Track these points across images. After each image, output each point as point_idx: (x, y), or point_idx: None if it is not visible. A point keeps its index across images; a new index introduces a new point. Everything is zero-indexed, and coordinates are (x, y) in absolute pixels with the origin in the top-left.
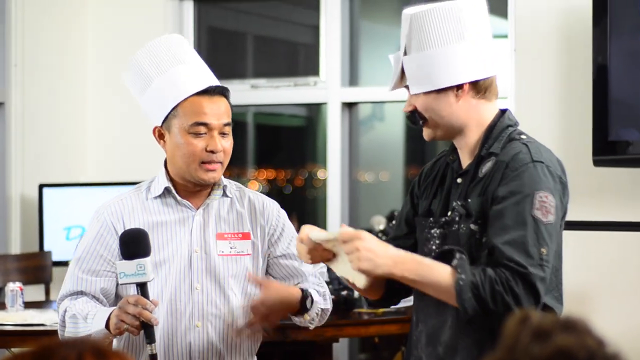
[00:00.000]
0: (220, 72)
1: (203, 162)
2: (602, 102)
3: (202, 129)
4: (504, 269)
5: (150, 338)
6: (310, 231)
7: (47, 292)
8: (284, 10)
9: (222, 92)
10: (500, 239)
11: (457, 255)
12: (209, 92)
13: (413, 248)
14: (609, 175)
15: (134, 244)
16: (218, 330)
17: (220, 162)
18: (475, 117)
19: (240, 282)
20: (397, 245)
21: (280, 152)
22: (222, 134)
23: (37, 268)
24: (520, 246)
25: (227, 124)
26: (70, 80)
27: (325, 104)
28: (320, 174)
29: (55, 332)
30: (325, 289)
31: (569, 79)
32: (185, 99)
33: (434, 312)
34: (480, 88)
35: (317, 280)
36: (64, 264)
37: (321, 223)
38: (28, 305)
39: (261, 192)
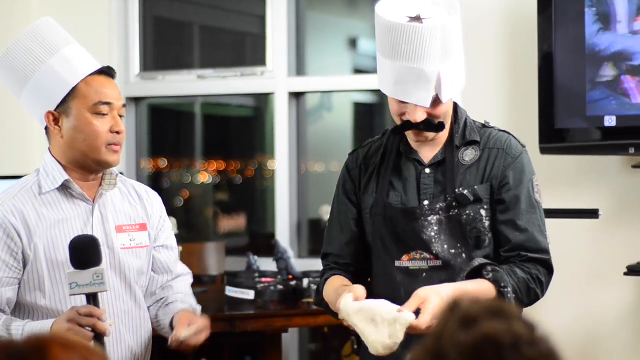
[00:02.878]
0: (167, 62)
1: (109, 144)
2: (548, 90)
3: (106, 109)
4: (532, 262)
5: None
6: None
7: None
8: (230, 1)
9: (114, 74)
10: (523, 223)
11: (489, 268)
12: (104, 72)
13: (364, 240)
14: (555, 163)
15: (87, 252)
16: (128, 326)
17: (120, 144)
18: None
19: (141, 276)
20: (357, 249)
21: (229, 143)
22: (120, 115)
23: None
24: (538, 228)
25: (124, 105)
26: None
27: (272, 93)
28: (270, 165)
29: None
30: (196, 305)
31: (515, 68)
32: (84, 79)
33: None
34: None
35: (190, 290)
36: None
37: (271, 213)
38: None
39: (211, 183)
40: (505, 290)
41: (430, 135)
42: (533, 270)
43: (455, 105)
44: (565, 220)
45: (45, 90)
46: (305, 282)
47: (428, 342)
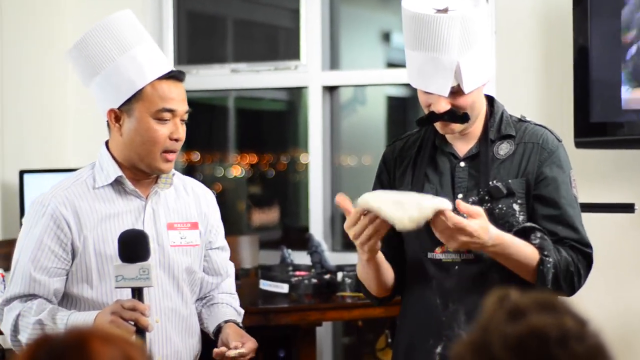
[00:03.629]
0: (200, 56)
1: (165, 151)
2: (583, 83)
3: (168, 116)
4: (574, 251)
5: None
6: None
7: None
8: None
9: (183, 77)
10: (566, 218)
11: (539, 234)
12: (173, 76)
13: (398, 233)
14: (589, 157)
15: (135, 246)
16: (175, 324)
17: (177, 151)
18: (483, 104)
19: (190, 275)
20: (390, 240)
21: (262, 137)
22: (182, 120)
23: None
24: (579, 223)
25: (188, 111)
26: (50, 66)
27: (306, 87)
28: (302, 158)
29: None
30: (240, 308)
31: (549, 61)
32: (151, 82)
33: (473, 288)
34: None
35: (234, 290)
36: None
37: (304, 207)
38: None
39: (244, 176)
40: (547, 259)
41: (457, 127)
42: (575, 257)
43: (492, 99)
44: (599, 214)
45: (111, 87)
46: (339, 275)
47: (474, 333)
